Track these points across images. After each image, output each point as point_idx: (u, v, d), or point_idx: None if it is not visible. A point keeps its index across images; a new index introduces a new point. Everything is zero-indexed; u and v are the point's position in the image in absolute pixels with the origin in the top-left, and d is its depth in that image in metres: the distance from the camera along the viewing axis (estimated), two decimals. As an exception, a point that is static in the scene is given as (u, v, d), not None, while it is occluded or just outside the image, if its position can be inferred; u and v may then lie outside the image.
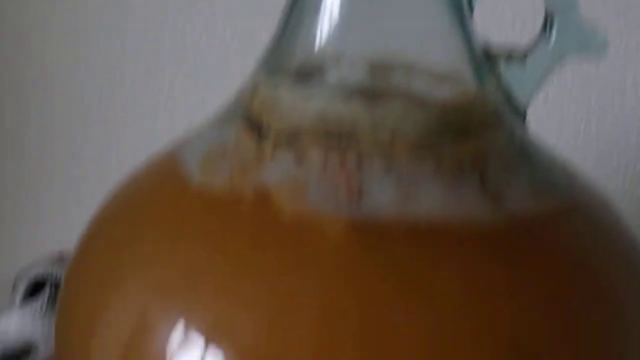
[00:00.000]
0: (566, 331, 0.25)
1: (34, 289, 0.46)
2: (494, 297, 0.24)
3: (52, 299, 0.44)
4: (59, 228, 0.56)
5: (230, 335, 0.24)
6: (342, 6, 0.26)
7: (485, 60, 0.27)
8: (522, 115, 0.28)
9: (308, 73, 0.27)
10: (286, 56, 0.27)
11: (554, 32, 0.27)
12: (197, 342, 0.24)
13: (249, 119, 0.26)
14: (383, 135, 0.25)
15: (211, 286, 0.24)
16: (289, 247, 0.24)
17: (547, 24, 0.28)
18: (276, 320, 0.23)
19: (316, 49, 0.27)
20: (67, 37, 0.55)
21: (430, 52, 0.27)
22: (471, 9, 0.27)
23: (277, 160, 0.25)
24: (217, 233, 0.25)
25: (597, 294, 0.26)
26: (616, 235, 0.28)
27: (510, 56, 0.28)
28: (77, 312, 0.27)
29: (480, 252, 0.24)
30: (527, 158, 0.27)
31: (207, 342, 0.23)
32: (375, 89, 0.28)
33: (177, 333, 0.24)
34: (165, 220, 0.26)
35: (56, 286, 0.45)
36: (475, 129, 0.26)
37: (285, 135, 0.25)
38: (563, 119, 0.45)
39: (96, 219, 0.29)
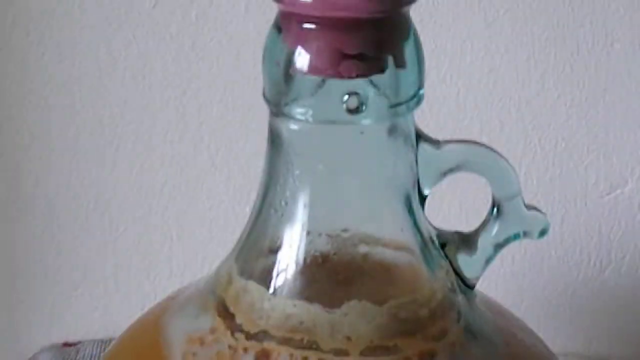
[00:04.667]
0: None
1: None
2: None
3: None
4: (62, 318, 0.59)
5: None
6: (306, 203, 0.29)
7: (438, 247, 0.31)
8: (471, 289, 0.31)
9: (276, 260, 0.30)
10: (256, 249, 0.30)
11: (500, 219, 0.31)
12: None
13: (224, 309, 0.30)
14: (340, 338, 0.28)
15: None
16: None
17: (494, 211, 0.31)
18: None
19: (284, 238, 0.30)
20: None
21: (385, 240, 0.31)
22: (423, 201, 0.30)
23: (247, 358, 0.28)
24: None
25: None
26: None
27: (461, 242, 0.31)
28: None
29: None
30: (472, 340, 0.30)
31: None
32: (340, 260, 0.31)
33: None
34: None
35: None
36: (424, 323, 0.29)
37: (254, 333, 0.28)
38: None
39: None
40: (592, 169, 0.51)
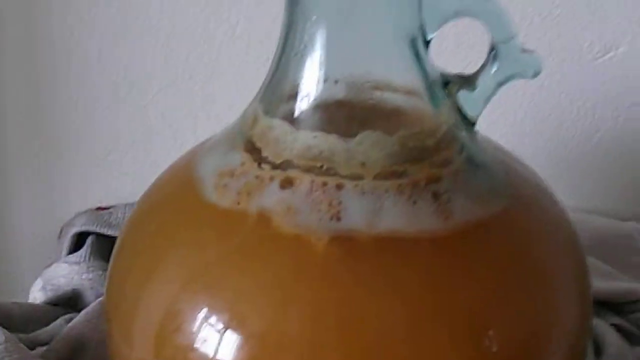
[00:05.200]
0: (506, 308, 0.32)
1: (77, 241, 0.53)
2: (443, 289, 0.31)
3: (94, 251, 0.51)
4: (95, 184, 0.63)
5: (242, 323, 0.31)
6: (322, 47, 0.32)
7: (442, 86, 0.34)
8: (472, 125, 0.34)
9: (297, 101, 0.33)
10: (279, 92, 0.33)
11: (497, 60, 0.34)
12: (217, 327, 0.31)
13: (251, 145, 0.33)
14: (356, 164, 0.31)
15: (227, 286, 0.31)
16: (286, 257, 0.31)
17: (492, 53, 0.34)
18: (277, 314, 0.30)
19: (304, 79, 0.33)
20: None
21: (394, 81, 0.34)
22: (427, 45, 0.33)
23: (273, 185, 0.32)
24: (229, 244, 0.32)
25: (529, 276, 0.33)
26: (549, 220, 0.35)
27: (462, 82, 0.34)
28: (125, 285, 0.35)
29: (433, 256, 0.31)
30: (474, 169, 0.33)
31: (224, 327, 0.31)
32: (355, 102, 0.34)
33: (200, 322, 0.31)
34: (187, 230, 0.33)
35: (97, 237, 0.52)
36: (431, 152, 0.32)
37: (279, 164, 0.32)
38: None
39: (137, 212, 0.37)
40: (587, 32, 0.53)
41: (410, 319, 0.30)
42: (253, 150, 0.33)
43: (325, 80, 0.33)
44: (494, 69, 0.34)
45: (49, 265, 0.52)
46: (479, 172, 0.34)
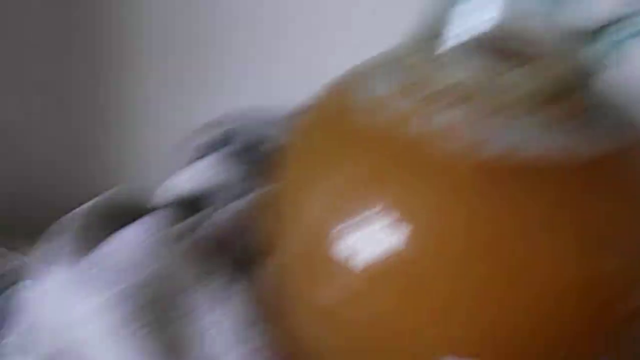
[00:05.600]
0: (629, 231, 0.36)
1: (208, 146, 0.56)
2: (577, 208, 0.35)
3: (232, 154, 0.54)
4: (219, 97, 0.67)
5: (400, 226, 0.35)
6: None
7: (577, 36, 0.38)
8: (598, 74, 0.39)
9: (451, 38, 0.37)
10: (435, 28, 0.38)
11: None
12: (379, 227, 0.36)
13: (405, 77, 0.38)
14: (504, 97, 0.36)
15: (386, 194, 0.36)
16: (436, 179, 0.36)
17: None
18: (428, 228, 0.35)
19: (458, 21, 0.37)
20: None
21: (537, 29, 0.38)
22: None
23: (425, 114, 0.36)
24: (383, 162, 0.37)
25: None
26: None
27: (597, 33, 0.38)
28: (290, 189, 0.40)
29: (571, 178, 0.35)
30: (605, 107, 0.38)
31: (387, 228, 0.35)
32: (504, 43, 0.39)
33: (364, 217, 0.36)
34: (345, 147, 0.38)
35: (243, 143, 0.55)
36: (569, 91, 0.37)
37: (430, 94, 0.37)
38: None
39: (299, 128, 0.42)
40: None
41: (549, 235, 0.35)
42: (406, 80, 0.38)
43: (477, 23, 0.37)
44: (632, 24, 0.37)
45: (173, 174, 0.55)
46: (610, 111, 0.38)
